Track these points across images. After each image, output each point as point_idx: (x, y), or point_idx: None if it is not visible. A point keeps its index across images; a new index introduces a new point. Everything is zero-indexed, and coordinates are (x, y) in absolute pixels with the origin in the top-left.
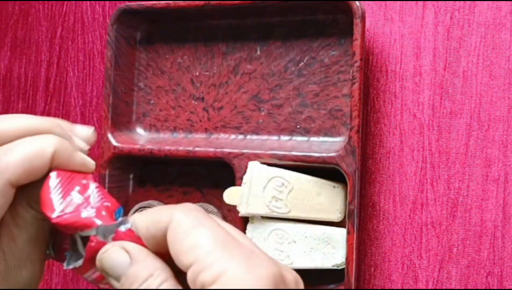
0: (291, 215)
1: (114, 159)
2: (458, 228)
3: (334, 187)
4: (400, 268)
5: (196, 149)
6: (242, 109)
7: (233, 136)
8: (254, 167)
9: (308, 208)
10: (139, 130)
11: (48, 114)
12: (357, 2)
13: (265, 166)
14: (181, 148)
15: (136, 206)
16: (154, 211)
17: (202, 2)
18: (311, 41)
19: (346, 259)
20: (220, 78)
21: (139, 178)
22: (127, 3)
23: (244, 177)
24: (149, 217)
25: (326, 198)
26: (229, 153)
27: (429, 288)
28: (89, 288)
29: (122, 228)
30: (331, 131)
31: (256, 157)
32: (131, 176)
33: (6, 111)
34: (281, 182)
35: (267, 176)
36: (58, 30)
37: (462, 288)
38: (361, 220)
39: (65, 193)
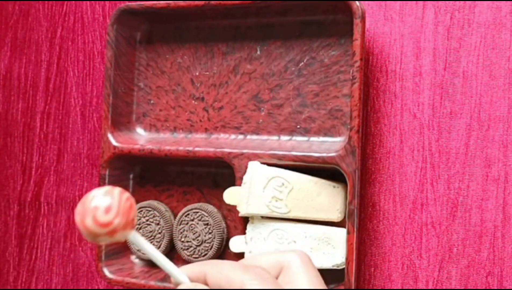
0: (291, 215)
1: (114, 159)
2: (458, 228)
3: (334, 187)
4: (400, 268)
5: (196, 149)
6: (242, 109)
7: (233, 136)
8: (254, 167)
9: (308, 208)
10: (139, 130)
11: (48, 114)
12: (357, 2)
13: (265, 166)
14: (181, 148)
15: (136, 206)
16: None
17: (202, 2)
18: (311, 41)
19: (346, 259)
20: (220, 78)
21: (139, 178)
22: (127, 3)
23: (244, 177)
24: None
25: (326, 198)
26: (229, 153)
27: (429, 288)
28: (89, 288)
29: None
30: (331, 131)
31: (256, 157)
32: (131, 176)
33: (6, 111)
34: (281, 182)
35: (267, 176)
36: (58, 30)
37: (462, 288)
38: (361, 220)
39: None
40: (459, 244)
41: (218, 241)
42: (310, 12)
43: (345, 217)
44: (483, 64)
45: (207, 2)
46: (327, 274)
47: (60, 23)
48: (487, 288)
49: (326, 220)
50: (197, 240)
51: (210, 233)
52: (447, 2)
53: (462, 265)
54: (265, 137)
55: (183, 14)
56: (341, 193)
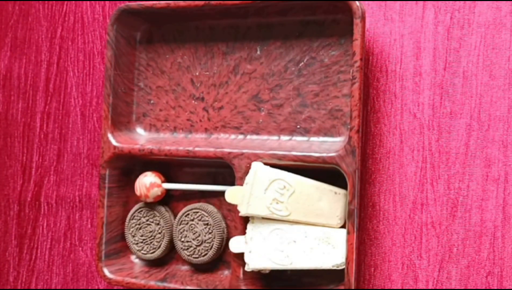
0: (291, 218)
1: (114, 159)
2: (458, 228)
3: (335, 193)
4: (400, 268)
5: (196, 149)
6: (242, 109)
7: (233, 136)
8: (257, 168)
9: (308, 212)
10: (139, 130)
11: (48, 114)
12: (357, 2)
13: (268, 167)
14: (181, 148)
15: (136, 206)
16: None
17: (202, 2)
18: (311, 41)
19: (346, 259)
20: (220, 78)
21: None
22: (127, 3)
23: (247, 178)
24: None
25: (326, 204)
26: (229, 153)
27: (429, 288)
28: (89, 288)
29: None
30: (331, 131)
31: (256, 157)
32: (131, 176)
33: (6, 111)
34: (282, 185)
35: (269, 178)
36: (58, 30)
37: (462, 288)
38: (361, 220)
39: None
40: (459, 244)
41: (218, 241)
42: (310, 12)
43: (344, 222)
44: (483, 64)
45: (207, 2)
46: (327, 274)
47: (60, 23)
48: (487, 288)
49: (325, 225)
50: (197, 240)
51: (210, 233)
52: (447, 2)
53: (462, 265)
54: (265, 137)
55: (183, 14)
56: (342, 200)
